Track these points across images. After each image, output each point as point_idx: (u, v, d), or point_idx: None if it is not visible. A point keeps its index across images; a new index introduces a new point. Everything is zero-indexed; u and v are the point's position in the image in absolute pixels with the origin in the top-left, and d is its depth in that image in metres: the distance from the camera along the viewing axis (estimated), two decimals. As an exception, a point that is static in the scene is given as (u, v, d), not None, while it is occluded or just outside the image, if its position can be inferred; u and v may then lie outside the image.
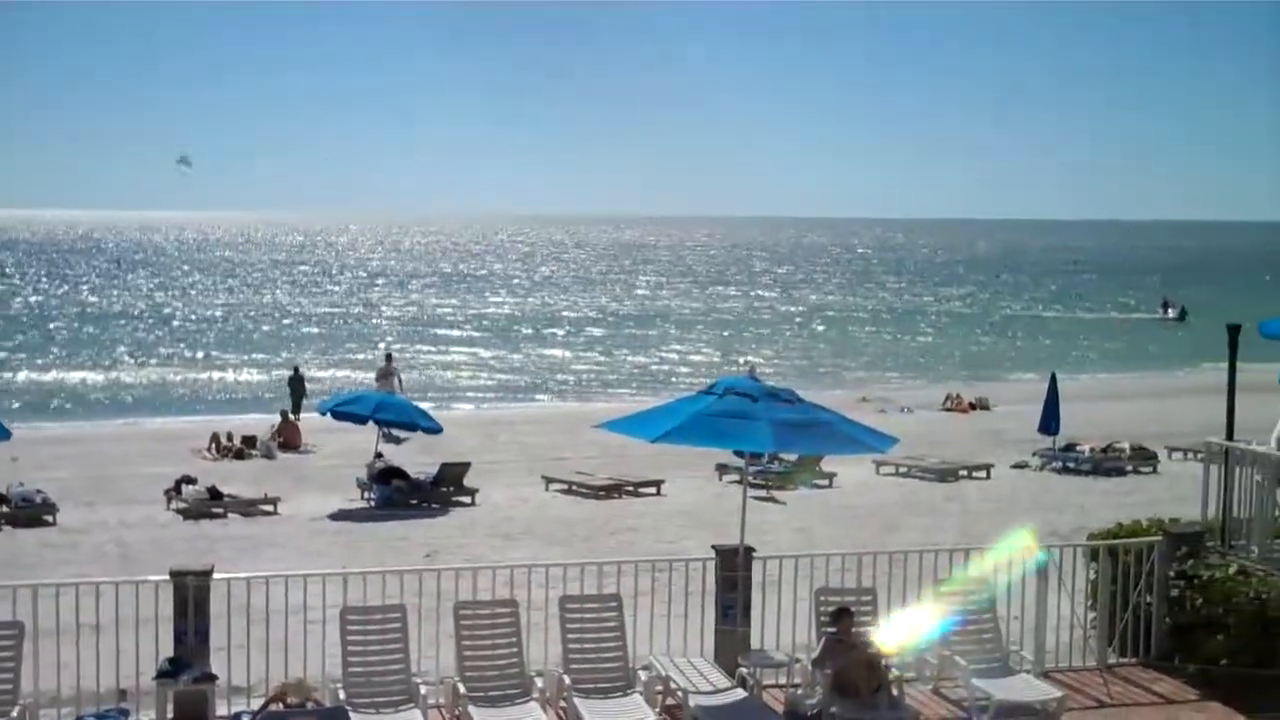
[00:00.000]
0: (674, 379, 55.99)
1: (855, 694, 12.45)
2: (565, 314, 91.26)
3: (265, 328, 79.36)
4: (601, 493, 27.42)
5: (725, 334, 78.94)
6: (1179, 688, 13.77)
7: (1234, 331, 14.82)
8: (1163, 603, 14.36)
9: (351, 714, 11.78)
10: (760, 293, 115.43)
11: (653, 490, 27.68)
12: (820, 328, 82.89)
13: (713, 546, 13.81)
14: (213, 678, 12.14)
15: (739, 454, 17.88)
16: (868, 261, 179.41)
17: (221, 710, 12.29)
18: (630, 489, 27.68)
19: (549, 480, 28.32)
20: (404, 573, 13.70)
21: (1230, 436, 14.68)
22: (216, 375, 57.62)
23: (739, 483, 14.46)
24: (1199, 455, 19.06)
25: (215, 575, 12.61)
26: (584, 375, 60.26)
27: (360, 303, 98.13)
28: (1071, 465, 30.32)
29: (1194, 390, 42.11)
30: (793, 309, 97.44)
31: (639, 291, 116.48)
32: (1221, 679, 13.44)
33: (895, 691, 12.71)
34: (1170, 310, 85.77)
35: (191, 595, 12.24)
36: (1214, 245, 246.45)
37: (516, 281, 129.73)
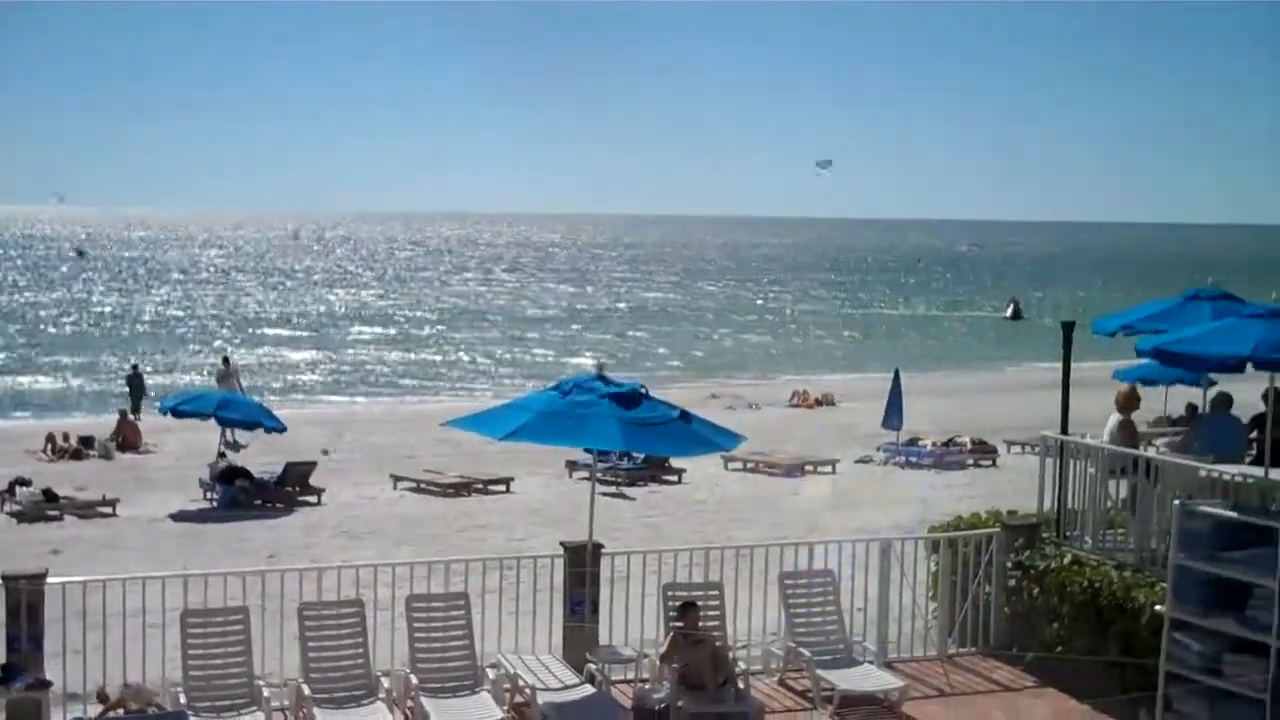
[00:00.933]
0: (526, 376, 55.83)
1: (702, 688, 12.56)
2: (415, 312, 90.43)
3: (106, 325, 77.38)
4: (450, 491, 27.26)
5: (577, 331, 79.00)
6: (1017, 675, 14.13)
7: (1068, 328, 15.21)
8: (1001, 593, 14.73)
9: (192, 718, 11.56)
10: (620, 290, 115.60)
11: (502, 488, 27.59)
12: (666, 327, 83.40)
13: (561, 543, 13.81)
14: (46, 684, 11.80)
15: (589, 451, 17.91)
16: (739, 260, 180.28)
17: (58, 718, 11.96)
18: (480, 487, 27.57)
19: (397, 478, 28.07)
20: (246, 574, 13.49)
21: (1065, 431, 15.07)
22: (47, 376, 55.94)
23: (590, 479, 14.46)
24: (1035, 449, 19.54)
25: (50, 579, 12.25)
26: (433, 372, 59.80)
27: (197, 302, 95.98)
28: (914, 459, 30.91)
29: (1032, 386, 43.15)
30: (653, 306, 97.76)
31: (511, 286, 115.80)
32: (1057, 666, 13.82)
33: (741, 684, 12.85)
34: (1011, 309, 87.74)
35: (24, 600, 11.88)
36: (1085, 244, 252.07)
37: (372, 279, 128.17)
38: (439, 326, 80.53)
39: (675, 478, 28.58)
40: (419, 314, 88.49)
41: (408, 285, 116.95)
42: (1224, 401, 15.63)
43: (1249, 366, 12.30)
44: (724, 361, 63.86)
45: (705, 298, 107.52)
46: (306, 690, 12.15)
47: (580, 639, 13.32)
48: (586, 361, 56.55)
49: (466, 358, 64.59)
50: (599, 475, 26.94)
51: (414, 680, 12.45)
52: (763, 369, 59.86)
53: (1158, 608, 12.62)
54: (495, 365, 62.20)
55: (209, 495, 26.45)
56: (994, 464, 31.01)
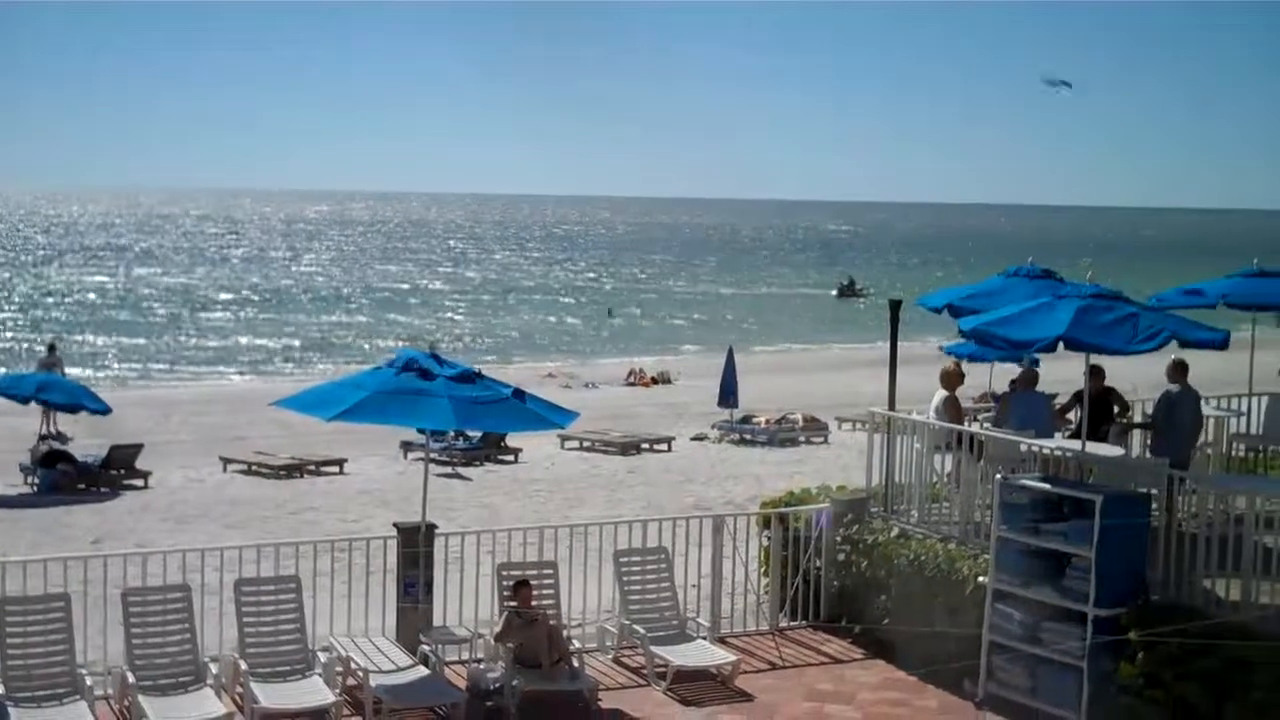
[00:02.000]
0: (361, 354, 55.18)
1: (537, 666, 12.59)
2: (253, 291, 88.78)
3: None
4: (282, 472, 26.83)
5: (421, 309, 78.35)
6: (846, 648, 14.41)
7: (895, 306, 15.54)
8: (830, 567, 15.01)
9: (11, 709, 11.25)
10: (470, 271, 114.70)
11: (335, 469, 27.24)
12: (513, 303, 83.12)
13: (394, 524, 13.70)
14: None
15: (423, 431, 17.77)
16: (612, 238, 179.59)
17: None
18: (312, 468, 27.18)
19: (227, 461, 27.54)
20: (68, 560, 13.15)
21: (892, 407, 15.38)
22: None
23: (424, 460, 14.35)
24: (865, 425, 19.90)
25: None
26: (267, 351, 58.78)
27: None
28: (748, 436, 31.25)
29: (866, 363, 43.94)
30: (499, 286, 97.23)
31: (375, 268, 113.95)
32: (885, 638, 14.13)
33: (576, 662, 12.90)
34: (838, 288, 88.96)
35: None
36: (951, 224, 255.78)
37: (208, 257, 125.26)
38: (279, 304, 79.33)
39: (512, 457, 28.51)
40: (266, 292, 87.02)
41: (260, 266, 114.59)
42: (1029, 379, 16.09)
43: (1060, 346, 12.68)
44: (561, 341, 63.90)
45: (549, 277, 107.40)
46: (131, 678, 11.88)
47: (414, 620, 13.23)
48: (435, 338, 55.99)
49: (297, 340, 63.51)
50: (434, 455, 26.86)
51: (243, 665, 12.26)
52: (600, 347, 60.05)
53: (980, 579, 12.99)
54: (326, 344, 61.37)
55: (29, 479, 25.65)
56: (826, 440, 31.48)
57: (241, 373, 52.13)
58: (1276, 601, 11.72)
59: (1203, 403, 17.85)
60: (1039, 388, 16.82)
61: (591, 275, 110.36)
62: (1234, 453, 17.77)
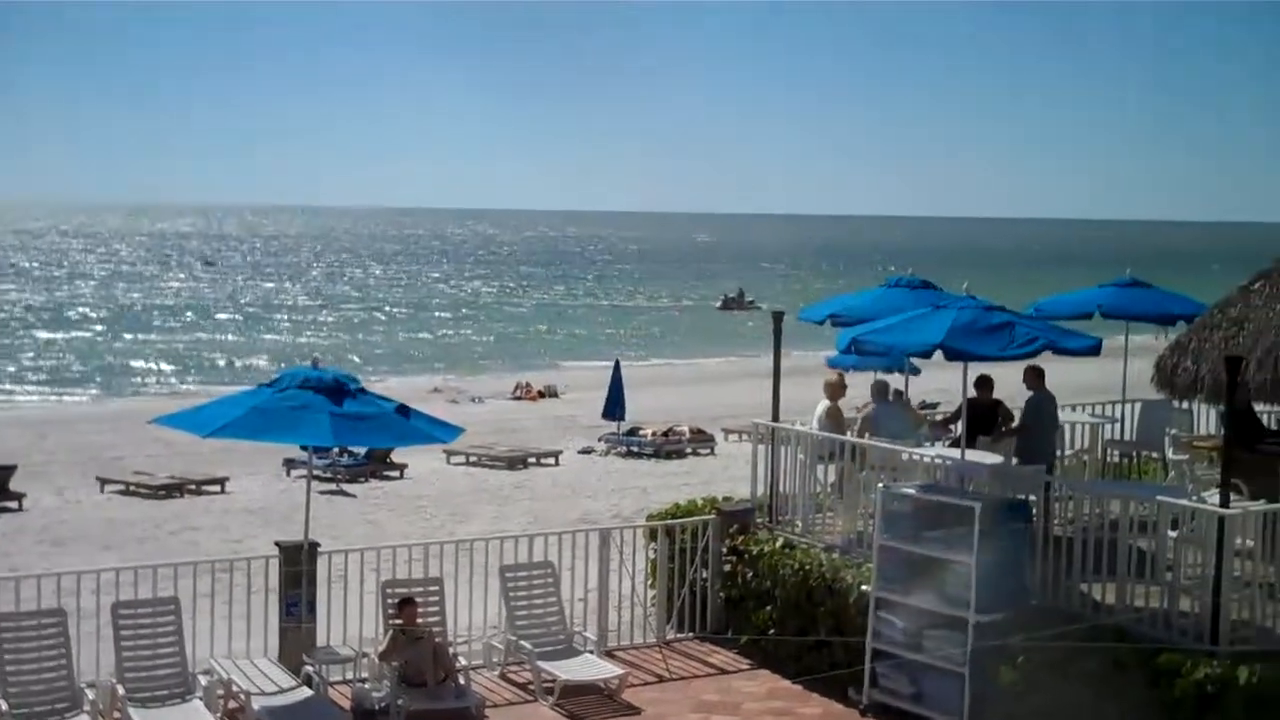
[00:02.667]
0: (250, 371, 54.38)
1: (423, 684, 12.49)
2: (147, 304, 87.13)
3: None
4: (162, 492, 26.36)
5: (300, 326, 77.42)
6: (732, 659, 14.46)
7: (778, 318, 15.66)
8: (716, 578, 15.06)
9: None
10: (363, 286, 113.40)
11: (217, 488, 26.83)
12: (400, 318, 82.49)
13: (276, 543, 13.50)
14: None
15: (305, 448, 17.56)
16: (507, 253, 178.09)
17: None
18: (193, 488, 26.74)
19: (104, 481, 27.00)
20: (-65, 586, 12.77)
21: (776, 418, 15.49)
22: None
23: (308, 477, 14.17)
24: (750, 436, 20.02)
25: None
26: (150, 369, 57.68)
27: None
28: (635, 449, 31.32)
29: (753, 374, 44.19)
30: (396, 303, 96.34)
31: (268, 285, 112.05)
32: (771, 648, 14.21)
33: (462, 679, 12.82)
34: (722, 300, 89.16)
35: None
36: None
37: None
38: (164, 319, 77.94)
39: (397, 473, 28.28)
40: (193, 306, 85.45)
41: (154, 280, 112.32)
42: (882, 389, 16.39)
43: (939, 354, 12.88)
44: (448, 355, 63.50)
45: (434, 294, 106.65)
46: (4, 706, 11.58)
47: (297, 640, 13.04)
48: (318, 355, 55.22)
49: (166, 360, 62.28)
50: (319, 472, 26.62)
51: (121, 690, 12.00)
52: (486, 362, 59.78)
53: (864, 587, 13.12)
54: (197, 361, 60.37)
55: (-102, 504, 24.93)
56: (712, 452, 31.65)
57: (117, 392, 51.02)
58: (1151, 604, 11.99)
59: (1080, 410, 18.31)
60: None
61: (472, 289, 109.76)
62: (1109, 458, 18.17)
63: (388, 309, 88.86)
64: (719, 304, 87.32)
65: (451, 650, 13.11)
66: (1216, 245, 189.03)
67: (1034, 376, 15.15)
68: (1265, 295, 14.25)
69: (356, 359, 59.90)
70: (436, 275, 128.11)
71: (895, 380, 17.42)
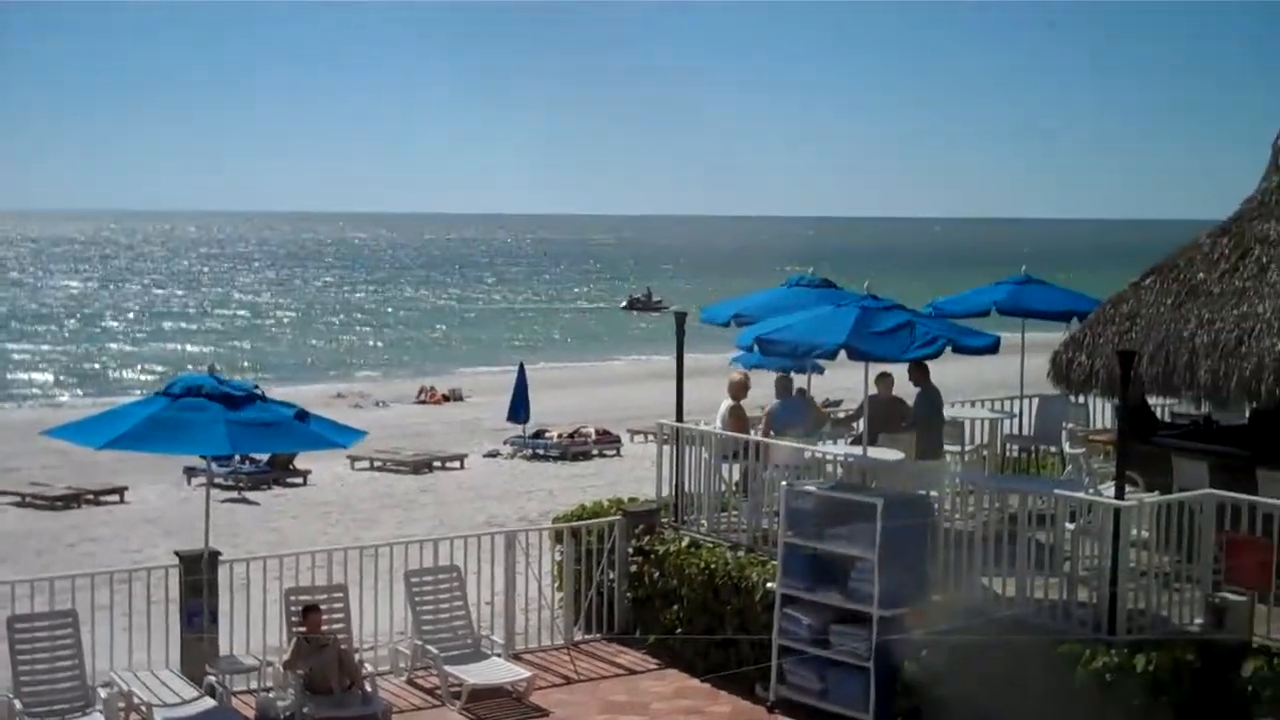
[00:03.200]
0: (138, 380, 53.50)
1: (328, 692, 12.37)
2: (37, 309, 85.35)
3: None
4: (59, 503, 25.88)
5: (196, 334, 76.36)
6: (640, 659, 14.49)
7: (680, 318, 15.71)
8: (623, 579, 15.08)
9: None
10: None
11: (115, 498, 26.39)
12: (302, 323, 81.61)
13: (176, 552, 13.31)
14: None
15: (205, 456, 17.32)
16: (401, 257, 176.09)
17: None
18: (91, 498, 26.28)
19: (-1, 493, 26.47)
20: None
21: (680, 418, 15.54)
22: None
23: (207, 485, 13.99)
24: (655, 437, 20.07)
25: None
26: (34, 380, 56.53)
27: None
28: (541, 452, 31.26)
29: (659, 375, 44.28)
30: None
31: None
32: (678, 647, 14.25)
33: (369, 686, 12.72)
34: (627, 300, 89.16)
35: None
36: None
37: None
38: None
39: (301, 480, 27.98)
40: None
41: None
42: (785, 385, 16.56)
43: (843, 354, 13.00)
44: (353, 359, 62.98)
45: (328, 298, 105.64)
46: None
47: (199, 651, 12.86)
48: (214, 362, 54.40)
49: (54, 370, 61.07)
50: (220, 480, 26.29)
51: (18, 705, 11.78)
52: (389, 366, 59.35)
53: (769, 585, 13.21)
54: (88, 371, 59.30)
55: None
56: (618, 453, 31.68)
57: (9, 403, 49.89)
58: (1050, 596, 12.19)
59: (980, 406, 18.58)
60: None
61: (366, 294, 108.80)
62: (1008, 453, 18.44)
63: (277, 314, 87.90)
64: (624, 305, 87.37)
65: (357, 656, 13.01)
66: (1109, 241, 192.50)
67: (920, 373, 15.33)
68: (1156, 291, 14.57)
69: (251, 365, 59.20)
70: (330, 280, 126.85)
71: (799, 379, 17.55)
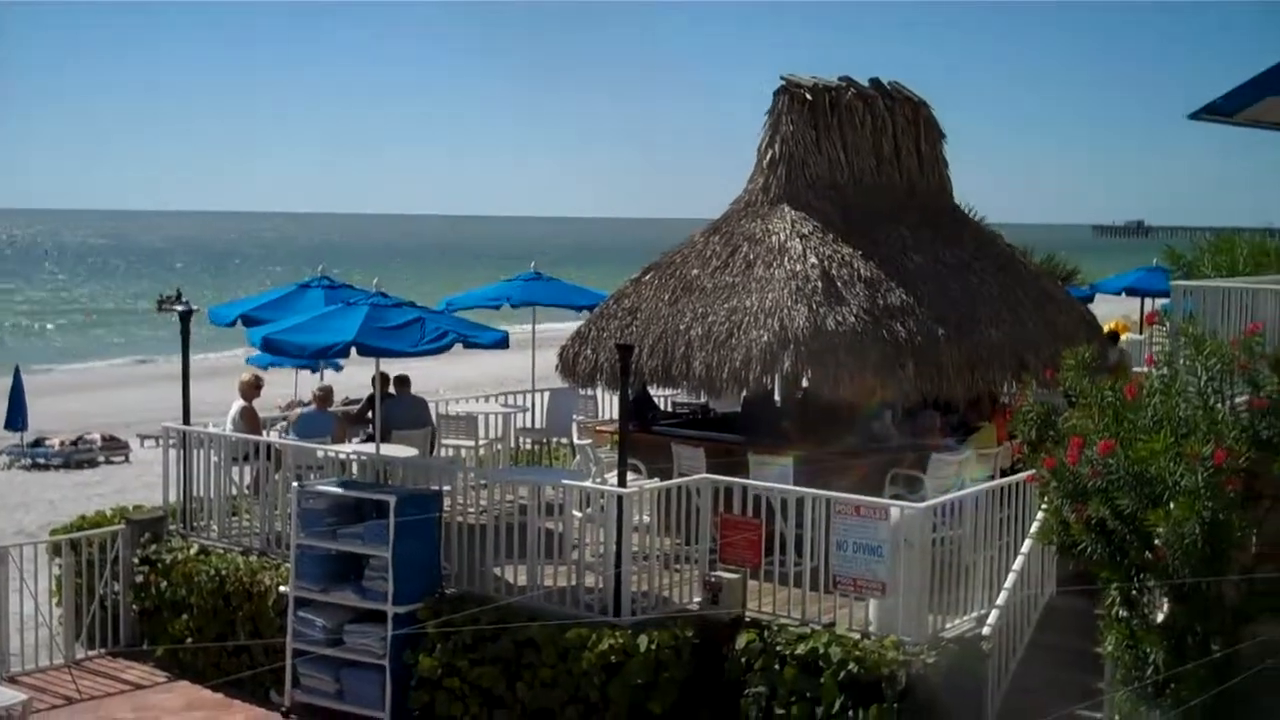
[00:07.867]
0: None
1: None
2: None
3: None
4: None
5: None
6: (149, 672, 13.96)
7: (185, 318, 15.28)
8: (129, 590, 14.47)
9: None
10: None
11: None
12: None
13: None
14: None
15: None
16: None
17: None
18: None
19: None
20: None
21: (187, 421, 15.04)
22: None
23: None
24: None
25: None
26: None
27: None
28: (41, 461, 29.47)
29: (171, 377, 42.57)
30: None
31: None
32: (189, 658, 13.81)
33: None
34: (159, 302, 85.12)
35: None
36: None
37: None
38: None
39: None
40: None
41: None
42: (323, 399, 16.52)
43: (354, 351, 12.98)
44: None
45: None
46: None
47: None
48: None
49: None
50: None
51: None
52: None
53: (282, 588, 13.00)
54: None
55: None
56: (127, 459, 30.27)
57: None
58: (560, 582, 12.56)
59: (492, 400, 18.95)
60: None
61: None
62: (521, 446, 18.88)
63: None
64: (156, 305, 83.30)
65: None
66: (626, 240, 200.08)
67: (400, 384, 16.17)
68: (655, 286, 15.29)
69: None
70: None
71: (312, 380, 17.40)
